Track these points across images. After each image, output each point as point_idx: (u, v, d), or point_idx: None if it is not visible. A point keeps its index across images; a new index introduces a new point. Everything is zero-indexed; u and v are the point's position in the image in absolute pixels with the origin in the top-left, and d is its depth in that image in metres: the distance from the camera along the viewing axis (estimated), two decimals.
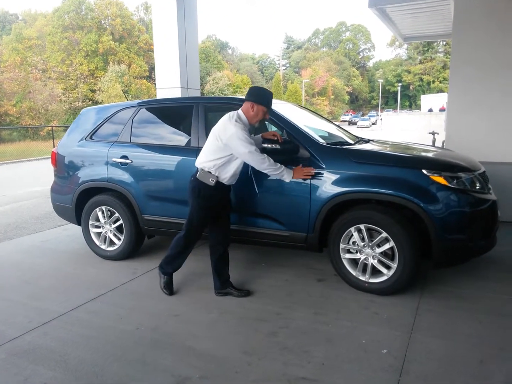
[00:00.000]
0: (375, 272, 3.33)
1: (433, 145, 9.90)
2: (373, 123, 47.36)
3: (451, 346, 2.59)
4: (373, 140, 4.32)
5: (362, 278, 3.36)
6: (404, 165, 3.20)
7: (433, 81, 62.85)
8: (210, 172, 3.16)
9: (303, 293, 3.42)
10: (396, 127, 15.33)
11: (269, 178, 3.51)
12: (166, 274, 3.47)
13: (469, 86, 5.17)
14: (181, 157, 3.88)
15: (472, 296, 3.26)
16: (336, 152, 3.41)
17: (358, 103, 78.07)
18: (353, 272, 3.40)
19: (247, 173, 3.44)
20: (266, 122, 4.06)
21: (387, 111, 66.66)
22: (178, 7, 6.72)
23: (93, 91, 39.66)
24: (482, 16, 5.07)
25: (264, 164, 3.13)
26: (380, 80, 69.10)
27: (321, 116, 4.90)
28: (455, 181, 3.12)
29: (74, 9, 43.12)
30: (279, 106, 4.03)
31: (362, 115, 62.13)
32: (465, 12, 5.13)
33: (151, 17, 7.29)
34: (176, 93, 6.95)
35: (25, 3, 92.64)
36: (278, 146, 3.36)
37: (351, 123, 52.34)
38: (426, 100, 35.77)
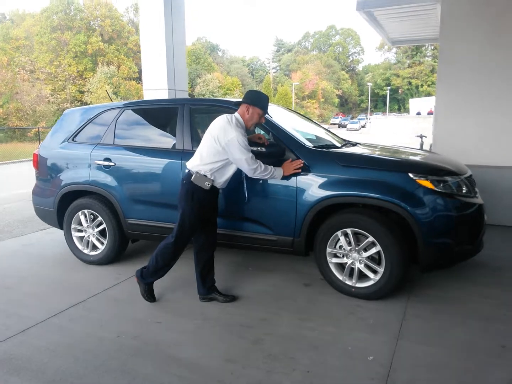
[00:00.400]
0: (362, 276, 3.29)
1: (421, 148, 9.97)
2: (363, 126, 47.65)
3: (438, 352, 2.55)
4: (360, 143, 4.29)
5: (348, 282, 3.32)
6: (390, 168, 3.17)
7: (422, 85, 63.50)
8: (206, 176, 3.07)
9: (289, 299, 3.36)
10: (385, 130, 15.39)
11: (256, 181, 3.46)
12: (147, 283, 3.36)
13: (456, 89, 5.18)
14: (165, 160, 3.80)
15: (459, 301, 3.24)
16: (322, 155, 3.37)
17: (348, 106, 78.57)
18: (340, 277, 3.36)
19: (237, 177, 3.38)
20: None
21: (376, 114, 67.13)
22: (165, 8, 6.65)
23: (81, 92, 39.31)
24: (470, 19, 5.09)
25: (256, 172, 3.09)
26: (369, 84, 69.62)
27: (309, 119, 4.87)
28: (441, 185, 3.10)
29: (62, 10, 42.67)
30: None
31: (352, 118, 62.50)
32: (452, 16, 5.15)
33: (139, 19, 7.20)
34: (163, 95, 6.87)
35: (12, 3, 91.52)
36: (263, 149, 3.32)
37: (340, 125, 52.59)
38: (415, 104, 36.14)
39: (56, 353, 2.64)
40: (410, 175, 3.10)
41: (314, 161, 3.32)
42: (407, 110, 53.30)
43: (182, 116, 3.85)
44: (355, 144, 4.20)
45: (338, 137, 4.54)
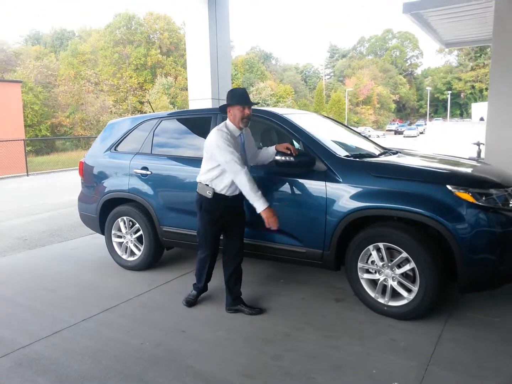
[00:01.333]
0: (395, 294, 3.10)
1: (478, 156, 9.34)
2: (421, 133, 45.59)
3: (471, 382, 2.33)
4: (401, 152, 4.08)
5: (381, 300, 3.14)
6: (426, 180, 2.97)
7: (486, 89, 59.78)
8: (207, 185, 3.16)
9: (317, 314, 3.24)
10: (442, 137, 14.62)
11: (285, 190, 3.40)
12: (196, 288, 3.50)
13: (511, 94, 4.79)
14: (197, 168, 3.83)
15: (504, 327, 2.94)
16: (353, 165, 3.23)
17: (406, 112, 75.91)
18: (372, 294, 3.18)
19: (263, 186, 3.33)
20: (277, 133, 3.91)
21: (436, 119, 64.23)
22: (210, 19, 6.79)
23: (141, 102, 41.25)
24: None
25: (238, 176, 2.99)
26: (429, 88, 66.79)
27: (347, 127, 4.72)
28: (483, 198, 2.85)
29: (124, 25, 45.25)
30: (299, 116, 3.91)
31: (409, 124, 60.24)
32: (506, 14, 4.78)
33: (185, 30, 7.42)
34: (208, 104, 7.01)
35: (81, 20, 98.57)
36: (292, 159, 3.25)
37: (397, 132, 50.81)
38: (478, 109, 34.07)
39: (83, 357, 2.72)
40: (449, 187, 2.88)
41: (345, 171, 3.19)
42: (470, 116, 50.47)
43: (215, 125, 3.87)
44: (396, 153, 4.00)
45: (379, 145, 4.35)
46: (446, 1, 5.94)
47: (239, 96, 3.12)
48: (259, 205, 3.01)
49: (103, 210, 4.45)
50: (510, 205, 2.95)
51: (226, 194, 3.17)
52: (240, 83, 49.51)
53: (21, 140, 16.05)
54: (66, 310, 3.43)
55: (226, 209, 3.22)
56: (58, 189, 11.12)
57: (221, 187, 3.15)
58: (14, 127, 17.46)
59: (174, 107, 38.30)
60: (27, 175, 15.04)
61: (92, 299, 3.63)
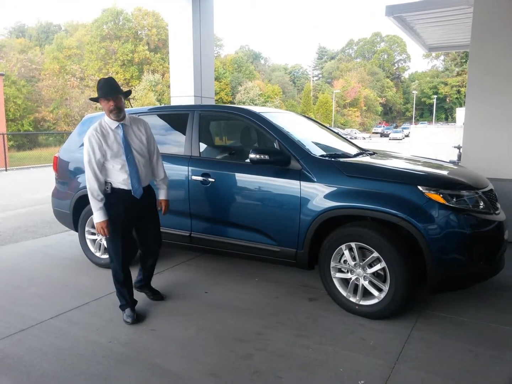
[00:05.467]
0: (367, 294, 3.11)
1: (459, 159, 9.47)
2: (406, 136, 46.16)
3: (437, 381, 2.34)
4: (378, 153, 4.10)
5: (352, 299, 3.15)
6: (398, 180, 2.98)
7: None
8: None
9: (290, 313, 3.23)
10: (425, 140, 14.79)
11: (259, 189, 3.39)
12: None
13: (488, 98, 4.85)
14: (176, 166, 3.81)
15: (472, 325, 2.98)
16: (327, 165, 3.23)
17: (392, 115, 76.66)
18: (344, 293, 3.19)
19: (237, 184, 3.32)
20: (256, 132, 3.90)
21: (422, 123, 65.01)
22: (194, 15, 6.75)
23: (127, 99, 40.73)
24: (504, 22, 4.77)
25: (86, 181, 2.94)
26: (415, 92, 67.58)
27: (326, 127, 4.72)
28: (454, 200, 2.88)
29: (112, 20, 44.73)
30: (276, 115, 3.91)
31: (396, 127, 60.91)
32: (484, 19, 4.84)
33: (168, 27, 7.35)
34: (190, 101, 6.96)
35: (68, 15, 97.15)
36: (267, 157, 3.24)
37: (383, 135, 51.37)
38: (462, 113, 34.67)
39: (47, 355, 2.66)
40: (420, 188, 2.90)
41: (319, 170, 3.19)
42: (455, 120, 51.17)
43: (192, 121, 3.85)
44: (372, 153, 4.02)
45: (356, 146, 4.37)
46: (428, 6, 6.00)
47: (101, 89, 2.96)
48: (97, 217, 2.95)
49: (76, 206, 4.36)
50: (480, 207, 2.98)
51: (123, 188, 3.05)
52: (228, 81, 49.37)
53: (0, 134, 15.70)
54: (35, 307, 3.35)
55: (127, 206, 3.09)
56: (37, 185, 10.91)
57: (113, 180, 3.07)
58: None
59: (160, 104, 38.01)
60: (6, 170, 14.74)
61: (62, 297, 3.55)
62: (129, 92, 3.18)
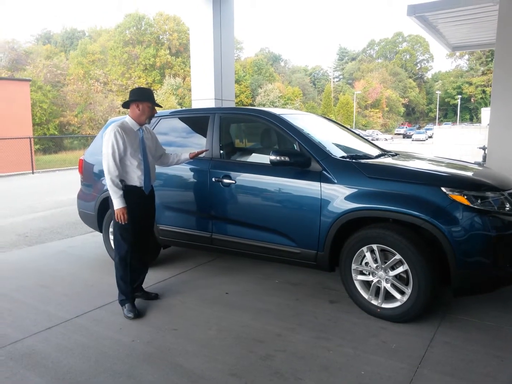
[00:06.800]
0: (389, 296, 3.08)
1: (484, 161, 9.25)
2: (430, 137, 45.34)
3: None
4: (400, 154, 4.05)
5: (374, 302, 3.12)
6: (421, 181, 2.94)
7: None
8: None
9: (311, 315, 3.23)
10: (449, 141, 14.48)
11: (279, 191, 3.40)
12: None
13: None
14: (189, 166, 3.87)
15: (497, 330, 2.91)
16: (348, 166, 3.21)
17: (415, 116, 75.44)
18: (365, 296, 3.16)
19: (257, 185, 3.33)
20: (276, 134, 3.91)
21: (446, 124, 63.77)
22: (214, 19, 6.80)
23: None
24: None
25: (106, 171, 3.12)
26: (438, 92, 66.29)
27: (347, 128, 4.69)
28: (479, 201, 2.82)
29: (134, 25, 45.54)
30: (296, 116, 3.91)
31: (419, 128, 59.88)
32: (510, 16, 4.72)
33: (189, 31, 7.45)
34: (211, 104, 7.02)
35: (91, 21, 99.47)
36: (287, 159, 3.24)
37: (405, 136, 50.57)
38: (487, 113, 33.80)
39: (72, 353, 2.73)
40: (443, 189, 2.85)
41: (340, 172, 3.18)
42: (480, 120, 50.02)
43: (213, 124, 3.89)
44: (395, 155, 3.98)
45: (378, 147, 4.33)
46: (450, 4, 5.89)
47: (150, 95, 3.29)
48: (116, 204, 3.14)
49: (101, 208, 4.47)
50: (506, 208, 2.91)
51: (136, 185, 3.28)
52: (248, 84, 49.57)
53: (27, 138, 16.18)
54: (60, 306, 3.44)
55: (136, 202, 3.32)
56: (62, 187, 11.19)
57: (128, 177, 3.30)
58: (22, 125, 17.61)
59: (181, 107, 38.46)
60: (33, 173, 15.18)
61: (87, 296, 3.64)
62: (160, 106, 3.56)
